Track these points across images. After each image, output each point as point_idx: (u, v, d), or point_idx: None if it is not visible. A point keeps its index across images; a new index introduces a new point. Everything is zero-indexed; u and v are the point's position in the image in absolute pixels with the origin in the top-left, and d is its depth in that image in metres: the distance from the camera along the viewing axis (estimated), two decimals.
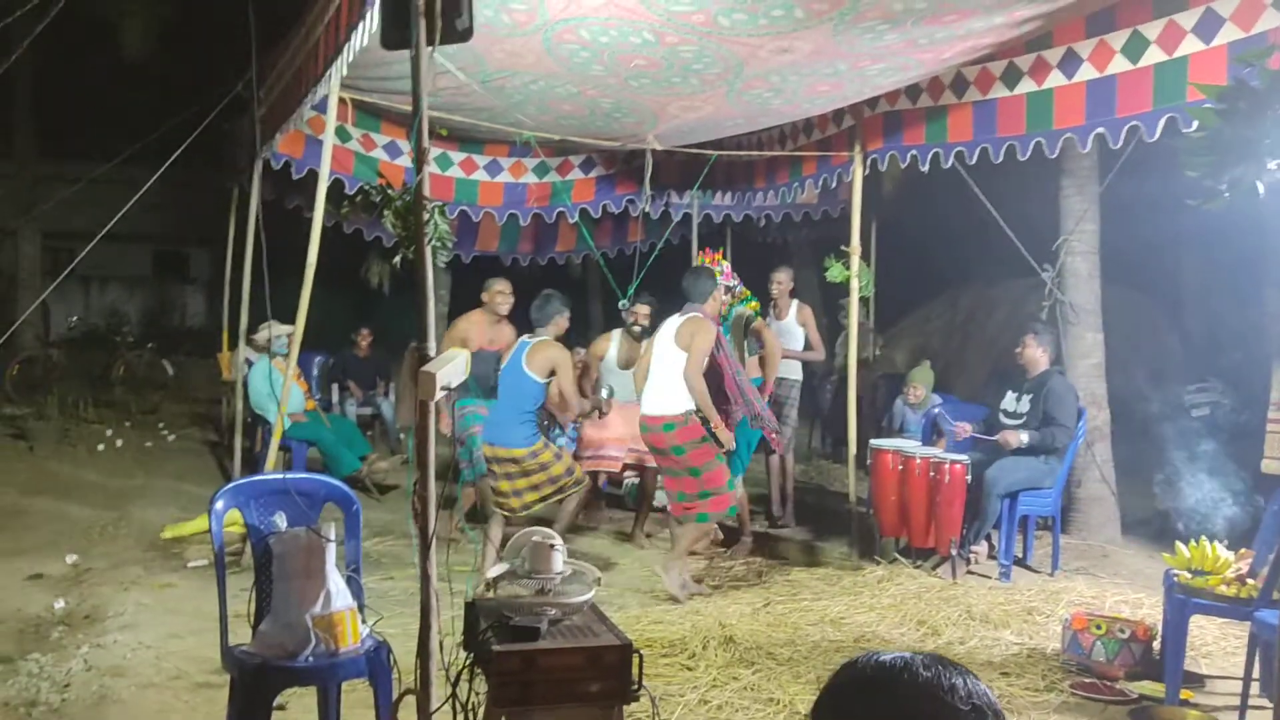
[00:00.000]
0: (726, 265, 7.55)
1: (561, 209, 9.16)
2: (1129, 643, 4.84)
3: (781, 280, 8.11)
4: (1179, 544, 4.79)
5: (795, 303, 8.12)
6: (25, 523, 7.03)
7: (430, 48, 3.21)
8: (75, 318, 17.33)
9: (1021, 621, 5.60)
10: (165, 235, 20.14)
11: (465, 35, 3.25)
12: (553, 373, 6.16)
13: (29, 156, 13.71)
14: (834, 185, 7.98)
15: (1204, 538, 4.81)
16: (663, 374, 6.09)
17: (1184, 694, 4.59)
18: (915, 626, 5.50)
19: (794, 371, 7.97)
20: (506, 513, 6.26)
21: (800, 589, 6.18)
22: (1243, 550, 4.77)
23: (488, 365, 6.42)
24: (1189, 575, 4.61)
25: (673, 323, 6.20)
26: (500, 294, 7.04)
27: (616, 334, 7.81)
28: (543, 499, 6.22)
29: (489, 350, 6.74)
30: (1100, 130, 5.54)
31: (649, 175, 7.62)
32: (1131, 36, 5.26)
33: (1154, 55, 5.18)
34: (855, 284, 7.47)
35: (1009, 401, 6.81)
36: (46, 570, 6.07)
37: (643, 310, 7.64)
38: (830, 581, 6.37)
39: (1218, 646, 5.22)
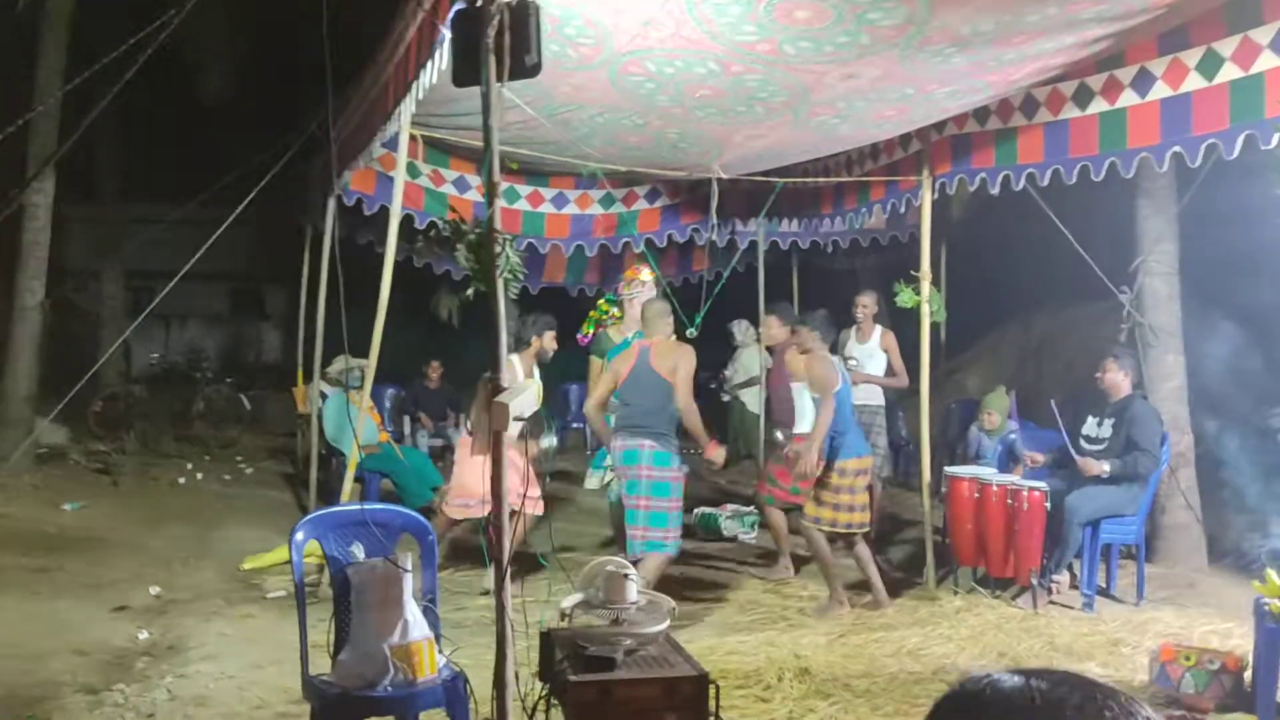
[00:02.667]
0: (647, 272, 7.50)
1: (627, 239, 9.21)
2: (1219, 674, 4.69)
3: (866, 304, 8.06)
4: (1269, 571, 4.63)
5: (879, 328, 8.03)
6: (110, 555, 7.19)
7: (499, 84, 3.25)
8: (156, 355, 17.74)
9: (1107, 653, 5.45)
10: (241, 273, 20.61)
11: (534, 71, 3.29)
12: None
13: (112, 199, 14.13)
14: (902, 210, 7.89)
15: None
16: None
17: None
18: (996, 658, 5.37)
19: (876, 397, 7.87)
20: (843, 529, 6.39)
21: (876, 619, 6.10)
22: None
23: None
24: None
25: None
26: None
27: (515, 359, 6.66)
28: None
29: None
30: (1177, 149, 5.43)
31: (715, 204, 7.62)
32: (1206, 54, 5.15)
33: (1230, 72, 5.07)
34: (926, 309, 7.38)
35: (1089, 427, 6.66)
36: (131, 602, 6.20)
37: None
38: (907, 612, 6.26)
39: None
